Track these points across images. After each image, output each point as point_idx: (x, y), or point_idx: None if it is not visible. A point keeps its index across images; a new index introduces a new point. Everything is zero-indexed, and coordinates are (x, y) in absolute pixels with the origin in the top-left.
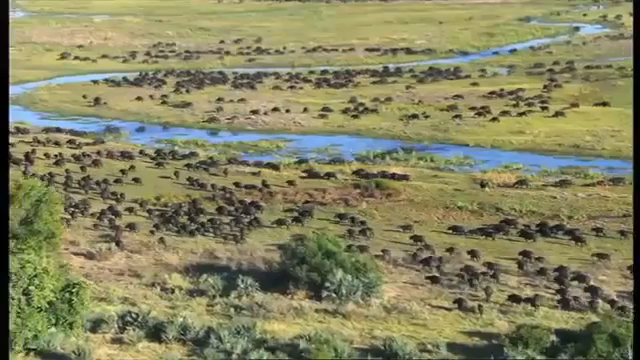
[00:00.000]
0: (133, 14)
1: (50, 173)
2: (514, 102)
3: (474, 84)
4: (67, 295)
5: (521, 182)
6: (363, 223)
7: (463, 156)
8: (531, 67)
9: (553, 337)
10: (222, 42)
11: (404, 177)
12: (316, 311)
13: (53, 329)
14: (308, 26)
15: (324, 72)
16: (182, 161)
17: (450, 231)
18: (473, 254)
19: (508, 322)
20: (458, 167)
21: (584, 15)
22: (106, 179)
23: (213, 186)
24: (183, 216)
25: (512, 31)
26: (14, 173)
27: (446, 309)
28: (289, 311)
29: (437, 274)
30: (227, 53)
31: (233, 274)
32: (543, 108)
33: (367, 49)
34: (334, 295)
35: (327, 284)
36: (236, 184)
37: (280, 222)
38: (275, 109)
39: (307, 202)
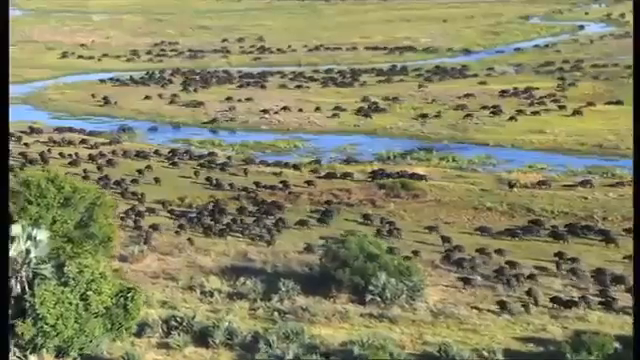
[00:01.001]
0: (131, 12)
1: (67, 173)
2: (529, 101)
3: (482, 83)
4: (122, 300)
5: (549, 182)
6: (391, 224)
7: (485, 155)
8: (540, 66)
9: (616, 344)
10: (224, 41)
11: (428, 177)
12: (361, 315)
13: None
14: (309, 24)
15: (328, 71)
16: (200, 161)
17: (482, 232)
18: (506, 255)
19: (561, 328)
20: (481, 167)
21: (586, 14)
22: (124, 179)
23: (233, 186)
24: (206, 217)
25: (516, 29)
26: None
27: (494, 313)
28: (334, 315)
29: (476, 276)
30: (231, 52)
31: (271, 277)
32: (560, 107)
33: (372, 48)
34: (378, 299)
35: (371, 287)
36: (259, 184)
37: (306, 223)
38: (285, 108)
39: (332, 203)
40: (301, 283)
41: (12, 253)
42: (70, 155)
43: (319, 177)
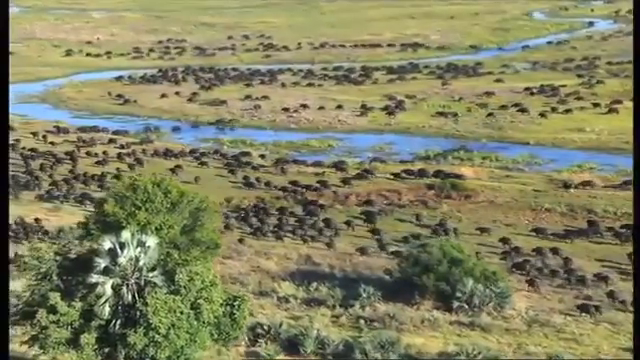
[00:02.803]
0: (130, 10)
1: (103, 173)
2: (556, 98)
3: (499, 80)
4: (229, 309)
5: (601, 182)
6: (442, 225)
7: (528, 155)
8: (558, 63)
9: None
10: (230, 38)
11: (476, 178)
12: (450, 323)
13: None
14: (313, 22)
15: (337, 68)
16: (235, 161)
17: (544, 234)
18: (577, 258)
19: None
20: (527, 167)
21: (591, 10)
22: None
23: (275, 186)
24: (251, 217)
25: (525, 26)
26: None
27: (590, 321)
28: (422, 323)
29: (556, 280)
30: (240, 50)
31: (344, 282)
32: (595, 104)
33: (384, 45)
34: (466, 306)
35: (458, 294)
36: (302, 185)
37: (352, 224)
38: (308, 106)
39: (383, 204)
40: (381, 289)
41: (121, 260)
42: (96, 154)
43: (362, 177)
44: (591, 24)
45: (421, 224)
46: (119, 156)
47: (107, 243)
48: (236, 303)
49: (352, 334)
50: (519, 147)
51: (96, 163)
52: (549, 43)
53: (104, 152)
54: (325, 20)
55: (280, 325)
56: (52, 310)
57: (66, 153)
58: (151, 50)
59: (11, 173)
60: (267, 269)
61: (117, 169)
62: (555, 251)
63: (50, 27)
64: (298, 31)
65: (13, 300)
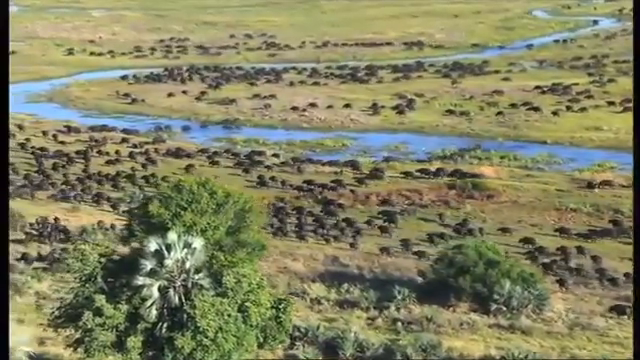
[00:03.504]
0: (129, 9)
1: (118, 172)
2: (569, 97)
3: (506, 79)
4: (274, 311)
5: (624, 182)
6: (464, 224)
7: (547, 154)
8: (567, 61)
9: None
10: (232, 37)
11: (497, 177)
12: (489, 326)
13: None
14: (314, 21)
15: (344, 67)
16: (250, 160)
17: (570, 235)
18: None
19: None
20: (547, 166)
21: (594, 9)
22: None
23: (293, 186)
24: (272, 217)
25: (530, 25)
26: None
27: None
28: (461, 325)
29: (592, 281)
30: (245, 49)
31: (375, 283)
32: (609, 103)
33: (389, 43)
34: (504, 308)
35: (495, 296)
36: (321, 185)
37: (376, 224)
38: (312, 104)
39: (404, 204)
40: (414, 290)
41: (168, 262)
42: (107, 153)
43: (380, 177)
44: (595, 22)
45: (445, 224)
46: (131, 155)
47: (153, 244)
48: (281, 306)
49: (390, 337)
50: (536, 146)
51: (107, 162)
52: (556, 41)
53: (116, 151)
54: (326, 19)
55: (317, 328)
56: (98, 313)
57: (79, 152)
58: (153, 49)
59: (24, 172)
60: (295, 270)
61: (132, 168)
62: (584, 251)
63: (51, 26)
64: (300, 30)
65: (55, 303)
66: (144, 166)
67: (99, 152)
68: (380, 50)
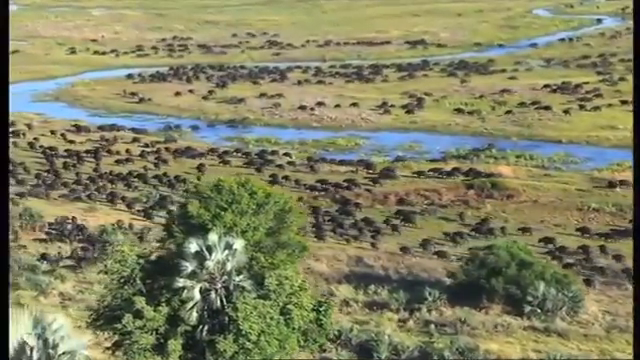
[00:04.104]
0: (129, 7)
1: (130, 172)
2: (580, 96)
3: (513, 78)
4: (315, 314)
5: None
6: (484, 222)
7: (564, 153)
8: (575, 60)
9: None
10: (235, 36)
11: (515, 177)
12: (524, 329)
13: None
14: (315, 20)
15: (349, 66)
16: (262, 159)
17: (593, 235)
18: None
19: None
20: (565, 165)
21: (597, 7)
22: (186, 179)
23: (311, 186)
24: None
25: (534, 23)
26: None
27: None
28: (495, 328)
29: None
30: (249, 47)
31: (401, 284)
32: (622, 102)
33: (394, 42)
34: (538, 310)
35: (529, 298)
36: (337, 185)
37: (395, 224)
38: (320, 103)
39: (423, 204)
40: (443, 292)
41: (209, 263)
42: (118, 152)
43: (395, 176)
44: (599, 21)
45: (466, 224)
46: (142, 155)
47: (193, 246)
48: (322, 308)
49: (423, 339)
50: (551, 146)
51: (118, 162)
52: (561, 40)
53: (127, 150)
54: (327, 18)
55: (350, 330)
56: (138, 315)
57: (89, 152)
58: (154, 48)
59: (35, 172)
60: (320, 271)
61: (144, 167)
62: (610, 252)
63: (52, 25)
64: (303, 29)
65: (80, 304)
66: (156, 165)
67: (109, 151)
68: (384, 49)
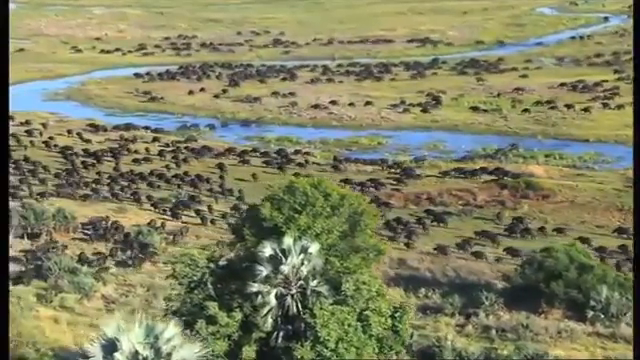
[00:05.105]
0: (130, 6)
1: (152, 171)
2: (600, 94)
3: (524, 76)
4: (390, 320)
5: None
6: (520, 221)
7: (594, 153)
8: (588, 57)
9: None
10: (240, 34)
11: (548, 177)
12: (588, 334)
13: None
14: (320, 18)
15: (360, 64)
16: (285, 158)
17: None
18: None
19: None
20: (597, 165)
21: (603, 6)
22: (210, 177)
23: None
24: None
25: (541, 21)
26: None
27: None
28: (559, 334)
29: None
30: (256, 46)
31: (451, 287)
32: None
33: (402, 40)
34: (602, 315)
35: (592, 303)
36: (364, 184)
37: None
38: (333, 102)
39: (458, 204)
40: (496, 295)
41: (284, 268)
42: (137, 151)
43: (423, 176)
44: (606, 19)
45: (503, 225)
46: (161, 154)
47: (268, 249)
48: (397, 314)
49: (485, 345)
50: (579, 145)
51: (135, 161)
52: (572, 38)
53: (146, 149)
54: (331, 16)
55: (411, 336)
56: (211, 321)
57: (108, 151)
58: (158, 46)
59: (54, 171)
60: None
61: (166, 166)
62: None
63: (54, 23)
64: (308, 27)
65: (124, 307)
66: (177, 164)
67: (128, 150)
68: (393, 47)
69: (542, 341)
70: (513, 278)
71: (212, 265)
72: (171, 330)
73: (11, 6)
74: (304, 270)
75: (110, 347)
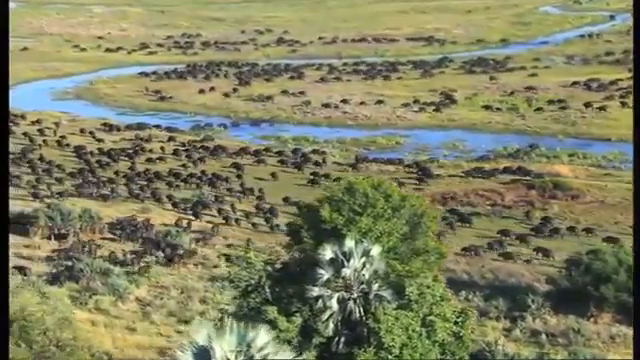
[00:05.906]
0: (130, 5)
1: (170, 170)
2: (613, 93)
3: (533, 75)
4: (453, 326)
5: None
6: (548, 223)
7: (619, 152)
8: (599, 56)
9: None
10: (243, 32)
11: (575, 177)
12: None
13: None
14: (323, 16)
15: (366, 63)
16: (304, 157)
17: None
18: None
19: None
20: (623, 164)
21: (607, 4)
22: (228, 177)
23: None
24: None
25: (546, 20)
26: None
27: None
28: (612, 339)
29: None
30: (262, 45)
31: (492, 290)
32: None
33: (408, 39)
34: None
35: None
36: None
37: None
38: (344, 101)
39: (486, 205)
40: (544, 299)
41: (346, 271)
42: (151, 150)
43: (447, 176)
44: (612, 17)
45: (534, 225)
46: (175, 153)
47: (328, 252)
48: (460, 319)
49: (535, 350)
50: (601, 144)
51: (149, 160)
52: (581, 36)
53: (161, 148)
54: (335, 15)
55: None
56: (271, 325)
57: (124, 150)
58: (161, 45)
59: (70, 170)
60: None
61: (183, 165)
62: None
63: (56, 22)
64: (312, 26)
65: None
66: (195, 164)
67: (142, 150)
68: (401, 46)
69: (594, 346)
70: (558, 281)
71: (269, 268)
72: (263, 337)
73: (11, 5)
74: (366, 274)
75: (203, 355)
